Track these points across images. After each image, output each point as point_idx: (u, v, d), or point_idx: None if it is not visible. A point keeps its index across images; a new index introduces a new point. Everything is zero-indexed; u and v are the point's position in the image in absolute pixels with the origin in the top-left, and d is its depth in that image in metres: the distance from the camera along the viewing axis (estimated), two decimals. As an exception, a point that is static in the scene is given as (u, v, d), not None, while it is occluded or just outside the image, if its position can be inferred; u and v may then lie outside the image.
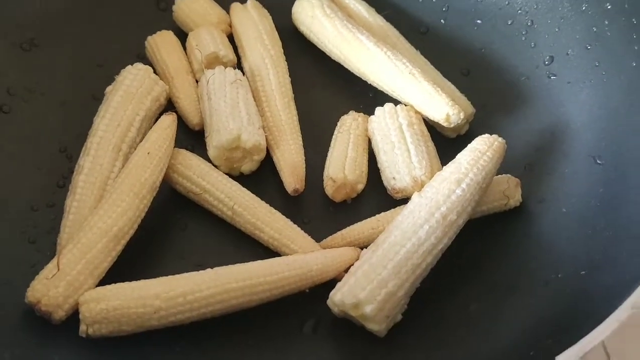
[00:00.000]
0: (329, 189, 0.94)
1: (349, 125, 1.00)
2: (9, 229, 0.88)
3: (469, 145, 0.90)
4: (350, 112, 1.03)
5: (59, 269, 0.78)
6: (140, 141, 0.94)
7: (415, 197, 0.86)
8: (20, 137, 0.98)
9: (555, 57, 1.04)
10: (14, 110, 0.99)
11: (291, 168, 0.95)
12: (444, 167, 0.89)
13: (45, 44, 1.05)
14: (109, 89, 0.98)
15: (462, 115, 0.96)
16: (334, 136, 1.00)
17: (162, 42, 1.07)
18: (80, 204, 0.87)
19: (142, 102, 0.96)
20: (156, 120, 0.96)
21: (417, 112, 1.00)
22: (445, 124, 0.97)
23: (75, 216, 0.87)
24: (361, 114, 1.03)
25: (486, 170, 0.86)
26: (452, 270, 0.87)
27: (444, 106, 0.96)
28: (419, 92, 0.98)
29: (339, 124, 1.02)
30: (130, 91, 0.96)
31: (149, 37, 1.08)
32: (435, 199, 0.84)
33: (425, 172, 0.92)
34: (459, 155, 0.89)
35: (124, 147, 0.93)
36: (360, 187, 0.96)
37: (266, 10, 1.12)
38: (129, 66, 0.99)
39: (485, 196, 0.89)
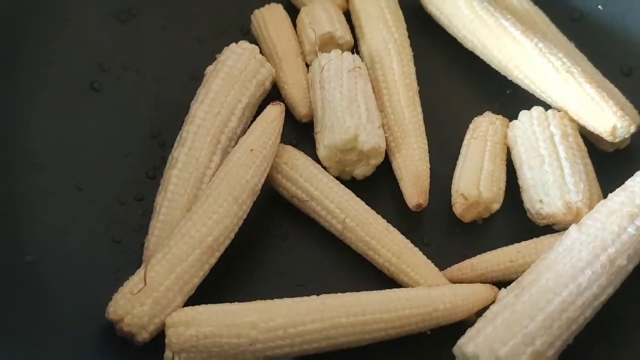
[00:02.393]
0: (458, 206, 0.80)
1: (485, 130, 0.86)
2: (93, 225, 0.81)
3: (645, 169, 0.74)
4: (486, 113, 0.91)
5: (145, 283, 0.69)
6: (242, 132, 0.85)
7: (573, 232, 0.72)
8: (110, 119, 0.90)
9: None
10: (106, 88, 0.92)
11: (414, 178, 0.83)
12: (611, 195, 0.76)
13: (143, 15, 0.98)
14: (209, 69, 0.89)
15: (632, 129, 0.82)
16: (465, 142, 0.88)
17: (270, 18, 0.97)
18: (172, 204, 0.79)
19: (245, 87, 0.87)
20: (260, 107, 0.86)
21: (572, 120, 0.85)
22: (609, 138, 0.83)
23: (165, 217, 0.78)
24: (500, 116, 0.89)
25: (668, 204, 0.70)
26: (612, 327, 0.74)
27: (611, 116, 0.81)
28: (579, 96, 0.84)
29: (471, 127, 0.89)
30: (233, 73, 0.87)
31: (256, 11, 0.98)
32: (602, 237, 0.70)
33: (583, 197, 0.77)
34: (630, 182, 0.76)
35: (223, 138, 0.83)
36: (496, 206, 0.82)
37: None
38: (233, 44, 0.90)
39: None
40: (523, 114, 0.85)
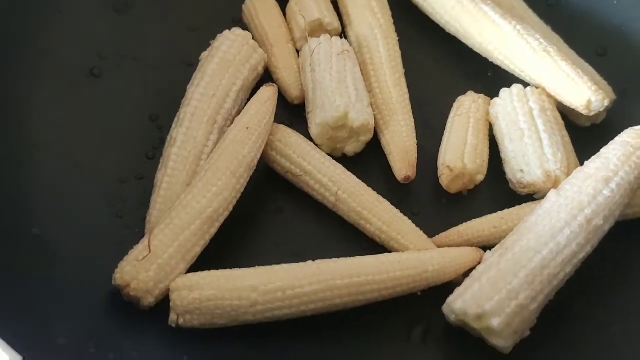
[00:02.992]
0: (444, 178, 0.84)
1: (468, 108, 0.90)
2: (97, 202, 0.83)
3: (617, 138, 0.79)
4: (469, 92, 0.94)
5: (150, 251, 0.72)
6: (237, 113, 0.87)
7: (552, 196, 0.76)
8: (109, 103, 0.92)
9: None
10: (105, 75, 0.94)
11: (402, 152, 0.87)
12: (587, 162, 0.79)
13: (139, 5, 1.00)
14: (204, 54, 0.92)
15: (606, 103, 0.86)
16: (450, 119, 0.91)
17: (261, 6, 1.00)
18: (172, 179, 0.81)
19: (239, 71, 0.89)
20: (253, 91, 0.89)
21: (549, 96, 0.89)
22: (584, 112, 0.86)
23: (166, 192, 0.81)
24: (482, 95, 0.93)
25: (639, 168, 0.74)
26: (591, 283, 0.78)
27: (586, 91, 0.85)
28: (555, 73, 0.88)
29: (455, 105, 0.92)
30: (227, 58, 0.89)
31: (247, 1, 1.01)
32: (579, 199, 0.74)
33: (561, 166, 0.81)
34: (605, 150, 0.79)
35: (219, 119, 0.86)
36: (480, 178, 0.86)
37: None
38: (227, 31, 0.93)
39: (633, 198, 0.78)
40: (504, 92, 0.89)
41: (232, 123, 0.85)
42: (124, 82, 0.94)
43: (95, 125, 0.89)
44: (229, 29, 0.93)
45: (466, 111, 0.89)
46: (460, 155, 0.84)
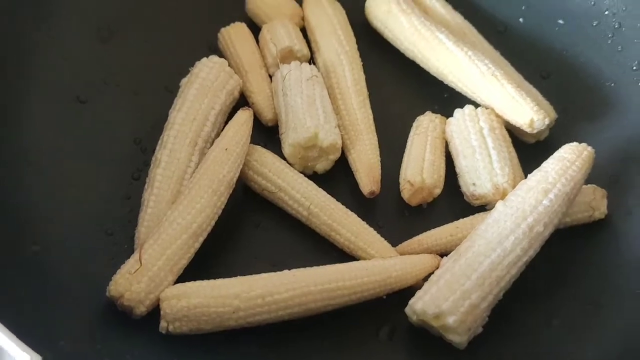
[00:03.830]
0: (405, 192, 0.93)
1: (426, 127, 0.98)
2: (87, 221, 0.89)
3: (555, 154, 0.87)
4: (427, 112, 1.01)
5: (141, 264, 0.78)
6: (216, 135, 0.93)
7: (499, 206, 0.84)
8: (96, 128, 0.97)
9: (644, 62, 1.00)
10: (91, 101, 0.99)
11: (367, 169, 0.94)
12: (530, 175, 0.87)
13: (121, 34, 1.05)
14: (184, 81, 0.97)
15: (547, 121, 0.93)
16: (410, 137, 0.98)
17: (235, 35, 1.06)
18: (158, 198, 0.87)
19: (217, 96, 0.95)
20: (230, 114, 0.96)
21: (498, 115, 0.97)
22: (528, 130, 0.94)
23: (153, 210, 0.87)
24: (438, 115, 1.01)
25: (575, 180, 0.84)
26: (534, 283, 0.85)
27: (529, 111, 0.93)
28: (502, 95, 0.96)
29: (415, 124, 1.00)
30: (206, 84, 0.95)
31: (223, 30, 1.07)
32: (522, 208, 0.82)
33: (508, 179, 0.89)
34: (545, 164, 0.87)
35: (199, 141, 0.92)
36: (438, 191, 0.94)
37: (339, 4, 1.10)
38: (205, 59, 0.98)
39: (570, 207, 0.86)
40: (457, 112, 0.97)
41: (211, 145, 0.91)
42: (109, 107, 0.99)
43: (84, 149, 0.94)
44: (206, 56, 0.99)
45: (424, 130, 0.98)
46: (419, 171, 0.92)
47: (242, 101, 1.01)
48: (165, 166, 0.89)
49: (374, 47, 1.08)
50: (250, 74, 1.03)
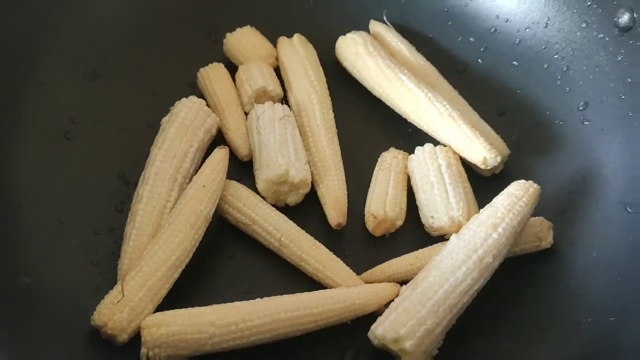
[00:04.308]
0: (370, 224, 1.00)
1: (389, 163, 1.05)
2: (74, 252, 0.95)
3: (505, 190, 0.95)
4: (391, 149, 1.08)
5: (123, 295, 0.84)
6: (194, 171, 1.00)
7: (453, 239, 0.91)
8: (82, 163, 1.04)
9: (590, 103, 1.08)
10: (77, 138, 1.06)
11: (334, 203, 1.00)
12: (481, 210, 0.94)
13: (106, 74, 1.12)
14: (164, 119, 1.04)
15: (498, 159, 1.01)
16: (375, 173, 1.06)
17: (213, 75, 1.13)
18: (140, 231, 0.93)
19: (195, 134, 1.02)
20: (208, 150, 1.02)
21: (455, 152, 1.05)
22: (482, 166, 1.02)
23: (135, 242, 0.93)
24: (401, 151, 1.08)
25: (522, 215, 0.91)
26: (485, 309, 0.92)
27: (482, 150, 1.01)
28: (458, 134, 1.03)
29: (379, 160, 1.07)
30: (185, 123, 1.02)
31: (202, 70, 1.14)
32: (473, 241, 0.89)
33: (462, 212, 0.97)
34: (495, 200, 0.94)
35: (179, 177, 0.99)
36: (399, 223, 1.01)
37: (311, 45, 1.17)
38: (184, 99, 1.05)
39: (518, 238, 0.94)
40: (418, 149, 1.04)
41: (190, 180, 0.98)
42: (95, 144, 1.05)
43: (70, 183, 1.01)
44: (186, 94, 1.06)
45: (388, 166, 1.05)
46: (382, 204, 1.00)
47: (219, 138, 1.08)
48: (147, 201, 0.95)
49: (344, 85, 1.15)
50: (227, 112, 1.09)
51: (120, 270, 0.92)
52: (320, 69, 1.15)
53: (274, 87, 1.11)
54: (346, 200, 1.01)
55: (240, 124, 1.09)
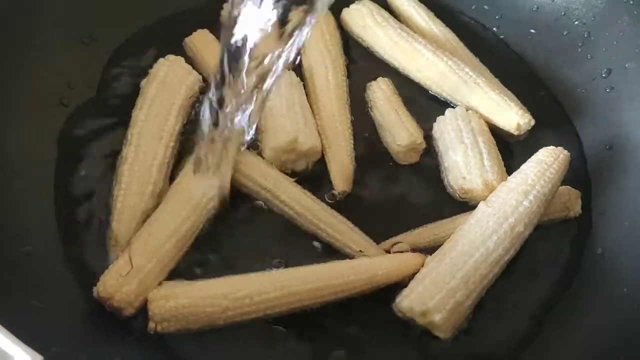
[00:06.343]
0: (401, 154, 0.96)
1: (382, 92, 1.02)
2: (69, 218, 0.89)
3: (534, 157, 0.90)
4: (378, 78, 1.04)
5: (132, 266, 0.77)
6: (180, 128, 0.94)
7: (481, 207, 0.87)
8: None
9: (613, 70, 1.04)
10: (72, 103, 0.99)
11: (340, 169, 0.95)
12: (510, 177, 0.90)
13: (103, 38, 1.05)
14: (143, 82, 0.98)
15: (532, 123, 0.97)
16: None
17: (200, 42, 1.06)
18: (127, 192, 0.87)
19: (177, 92, 0.96)
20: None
21: (485, 120, 0.99)
22: (515, 132, 0.97)
23: (122, 204, 0.87)
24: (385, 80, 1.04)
25: (552, 182, 0.87)
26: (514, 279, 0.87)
27: (514, 115, 0.97)
28: (486, 101, 0.99)
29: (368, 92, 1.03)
30: (165, 82, 0.96)
31: (187, 39, 1.06)
32: (503, 209, 0.84)
33: (497, 177, 0.91)
34: (524, 166, 0.90)
35: (164, 135, 0.92)
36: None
37: (330, 12, 1.11)
38: (161, 59, 0.99)
39: (548, 207, 0.89)
40: (449, 111, 0.98)
41: (177, 139, 0.92)
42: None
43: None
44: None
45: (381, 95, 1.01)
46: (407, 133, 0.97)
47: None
48: (132, 162, 0.90)
49: (360, 54, 1.10)
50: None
51: (110, 233, 0.85)
52: (337, 34, 1.10)
53: (289, 53, 1.05)
54: (352, 168, 0.97)
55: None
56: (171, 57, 0.99)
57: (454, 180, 0.94)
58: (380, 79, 1.04)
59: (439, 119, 0.99)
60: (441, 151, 0.97)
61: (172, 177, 0.91)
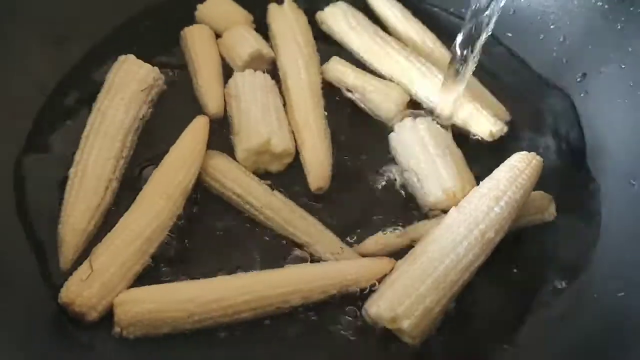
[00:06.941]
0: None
1: None
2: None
3: (507, 162, 0.90)
4: None
5: (92, 270, 0.76)
6: (132, 121, 0.94)
7: (452, 212, 0.86)
8: None
9: (588, 74, 1.04)
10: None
11: (316, 166, 0.94)
12: (482, 182, 0.89)
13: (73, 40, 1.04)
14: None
15: (505, 130, 0.97)
16: None
17: (197, 35, 1.08)
18: (78, 194, 0.87)
19: (126, 86, 0.96)
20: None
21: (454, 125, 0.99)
22: (488, 139, 0.97)
23: (72, 206, 0.86)
24: None
25: (524, 188, 0.86)
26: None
27: (486, 123, 0.97)
28: (462, 107, 0.98)
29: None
30: (116, 80, 0.97)
31: (185, 29, 1.08)
32: (474, 215, 0.84)
33: (458, 183, 0.90)
34: (496, 172, 0.89)
35: (110, 131, 0.92)
36: None
37: (302, 11, 1.11)
38: (115, 62, 1.00)
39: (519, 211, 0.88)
40: (396, 127, 0.96)
41: (134, 132, 0.93)
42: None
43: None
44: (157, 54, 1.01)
45: None
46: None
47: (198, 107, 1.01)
48: (80, 161, 0.89)
49: (335, 52, 1.09)
50: (202, 70, 1.04)
51: (58, 235, 0.84)
52: (310, 33, 1.10)
53: (268, 50, 1.06)
54: (328, 164, 0.96)
55: (213, 83, 1.03)
56: (121, 58, 0.99)
57: (420, 200, 0.93)
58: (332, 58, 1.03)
59: (390, 136, 0.98)
60: (402, 171, 0.96)
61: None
